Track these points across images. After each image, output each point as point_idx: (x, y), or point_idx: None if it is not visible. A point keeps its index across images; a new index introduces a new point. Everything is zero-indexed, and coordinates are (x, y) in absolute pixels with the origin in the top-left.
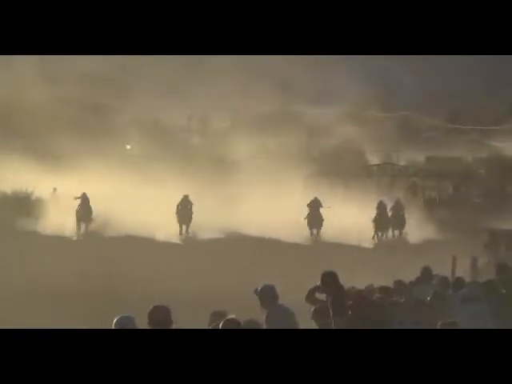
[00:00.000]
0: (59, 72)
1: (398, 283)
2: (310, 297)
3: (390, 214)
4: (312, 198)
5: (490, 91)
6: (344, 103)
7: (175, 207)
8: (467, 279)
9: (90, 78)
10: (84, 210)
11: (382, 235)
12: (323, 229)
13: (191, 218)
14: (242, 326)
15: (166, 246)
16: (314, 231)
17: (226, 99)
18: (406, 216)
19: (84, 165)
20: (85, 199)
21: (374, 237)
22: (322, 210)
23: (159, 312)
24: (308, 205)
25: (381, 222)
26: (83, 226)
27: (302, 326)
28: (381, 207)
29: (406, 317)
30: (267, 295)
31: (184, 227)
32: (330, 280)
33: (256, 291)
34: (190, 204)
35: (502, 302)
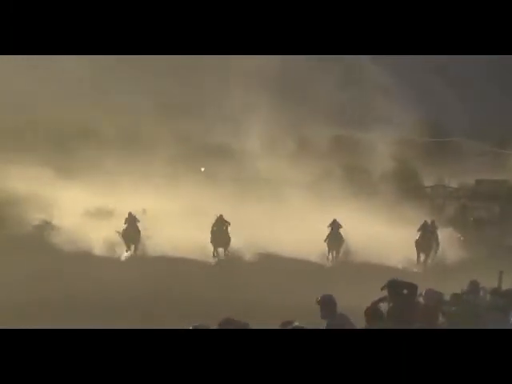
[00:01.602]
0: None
1: (454, 296)
2: (374, 308)
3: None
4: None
5: None
6: (397, 129)
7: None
8: None
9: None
10: (131, 231)
11: (425, 257)
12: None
13: (229, 239)
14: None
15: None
16: (333, 252)
17: (289, 122)
18: (446, 235)
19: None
20: (132, 219)
21: (418, 259)
22: (341, 231)
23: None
24: (329, 226)
25: (423, 243)
26: (132, 246)
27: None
28: (424, 228)
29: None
30: (327, 304)
31: (220, 249)
32: (397, 288)
33: (318, 300)
34: (226, 224)
35: None
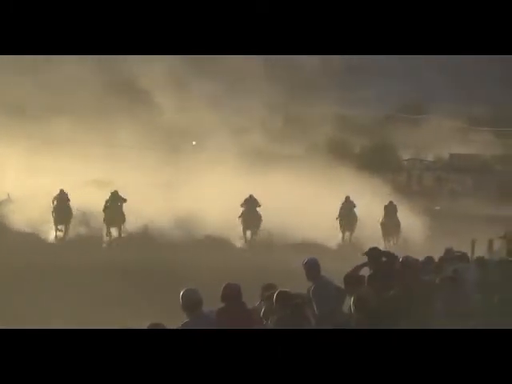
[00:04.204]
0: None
1: (428, 259)
2: (354, 274)
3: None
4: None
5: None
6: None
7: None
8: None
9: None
10: (62, 210)
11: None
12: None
13: (123, 216)
14: (291, 297)
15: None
16: (248, 232)
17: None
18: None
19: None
20: (62, 198)
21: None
22: (258, 209)
23: (231, 288)
24: (242, 204)
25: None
26: (64, 227)
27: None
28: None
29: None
30: (313, 268)
31: (114, 228)
32: (376, 254)
33: (303, 263)
34: (121, 200)
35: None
